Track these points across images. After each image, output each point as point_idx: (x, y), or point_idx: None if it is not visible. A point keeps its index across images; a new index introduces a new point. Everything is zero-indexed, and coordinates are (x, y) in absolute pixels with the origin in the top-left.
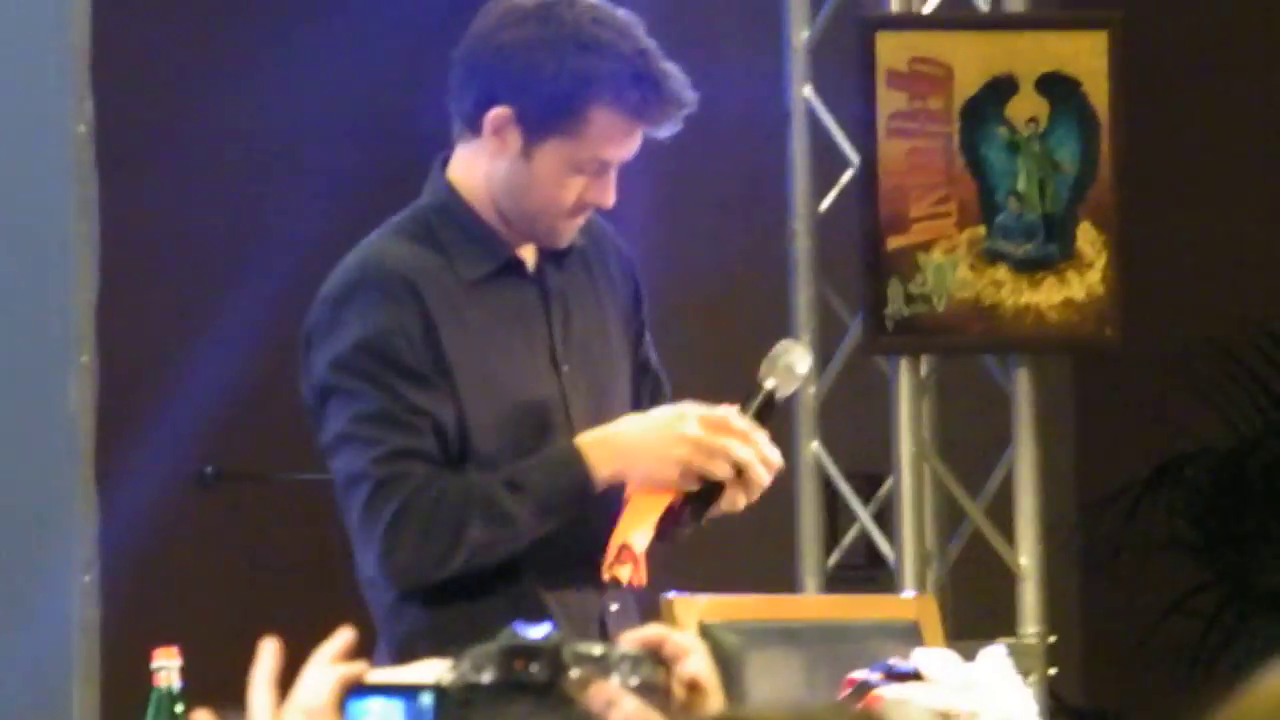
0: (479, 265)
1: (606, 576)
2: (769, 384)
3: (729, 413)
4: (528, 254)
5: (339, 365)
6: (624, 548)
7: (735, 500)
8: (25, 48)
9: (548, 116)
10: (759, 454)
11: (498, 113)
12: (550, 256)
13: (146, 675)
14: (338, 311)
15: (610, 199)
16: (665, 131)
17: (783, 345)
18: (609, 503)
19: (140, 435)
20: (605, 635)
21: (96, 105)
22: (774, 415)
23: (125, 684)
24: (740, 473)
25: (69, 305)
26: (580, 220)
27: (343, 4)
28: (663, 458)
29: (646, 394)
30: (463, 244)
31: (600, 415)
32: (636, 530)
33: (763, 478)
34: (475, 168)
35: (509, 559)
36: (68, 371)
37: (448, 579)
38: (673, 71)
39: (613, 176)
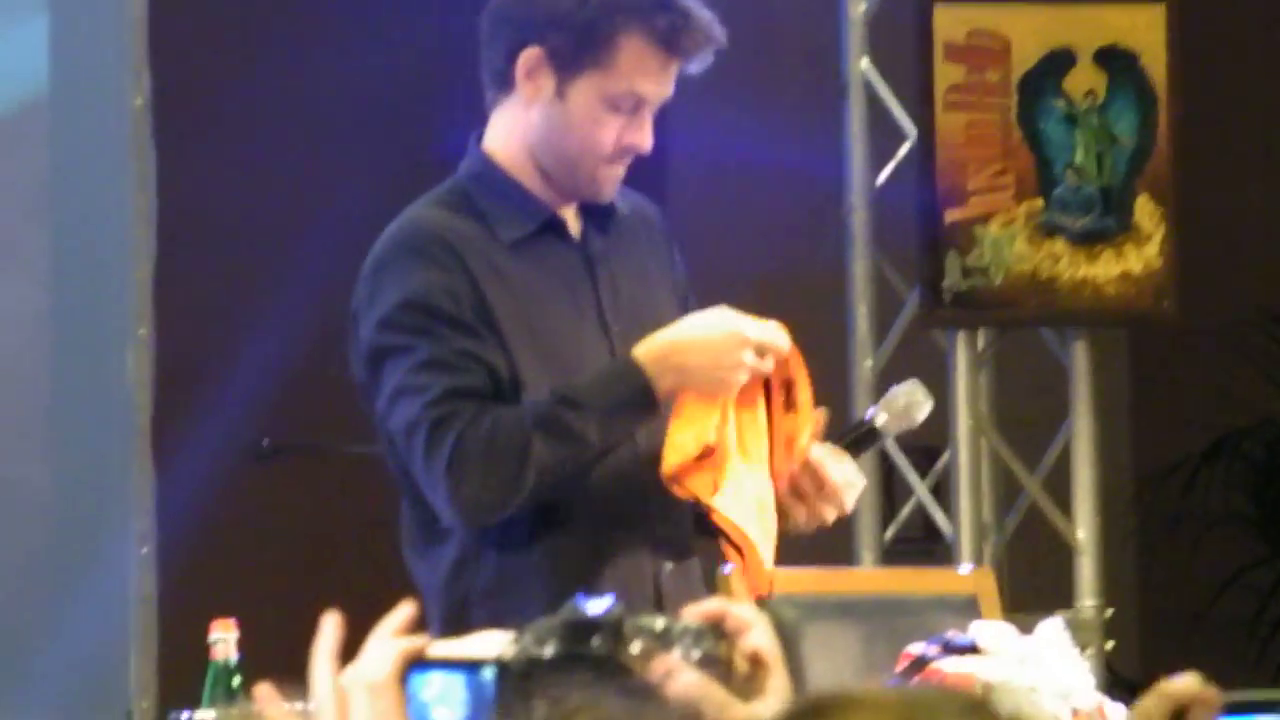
0: (518, 226)
1: (682, 493)
2: (880, 420)
3: (774, 326)
4: (570, 218)
5: (386, 325)
6: (703, 452)
7: (797, 517)
8: (83, 22)
9: (578, 49)
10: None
11: (529, 54)
12: (593, 221)
13: (204, 648)
14: (379, 279)
15: (648, 142)
16: (696, 65)
17: (908, 386)
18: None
19: (198, 409)
20: (661, 597)
21: (154, 80)
22: (869, 448)
23: (183, 656)
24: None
25: (127, 279)
26: (621, 169)
27: None
28: (725, 366)
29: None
30: (501, 208)
31: None
32: (692, 436)
33: (836, 502)
34: (512, 129)
35: (564, 522)
36: (126, 345)
37: (510, 529)
38: (698, 5)
39: (649, 118)
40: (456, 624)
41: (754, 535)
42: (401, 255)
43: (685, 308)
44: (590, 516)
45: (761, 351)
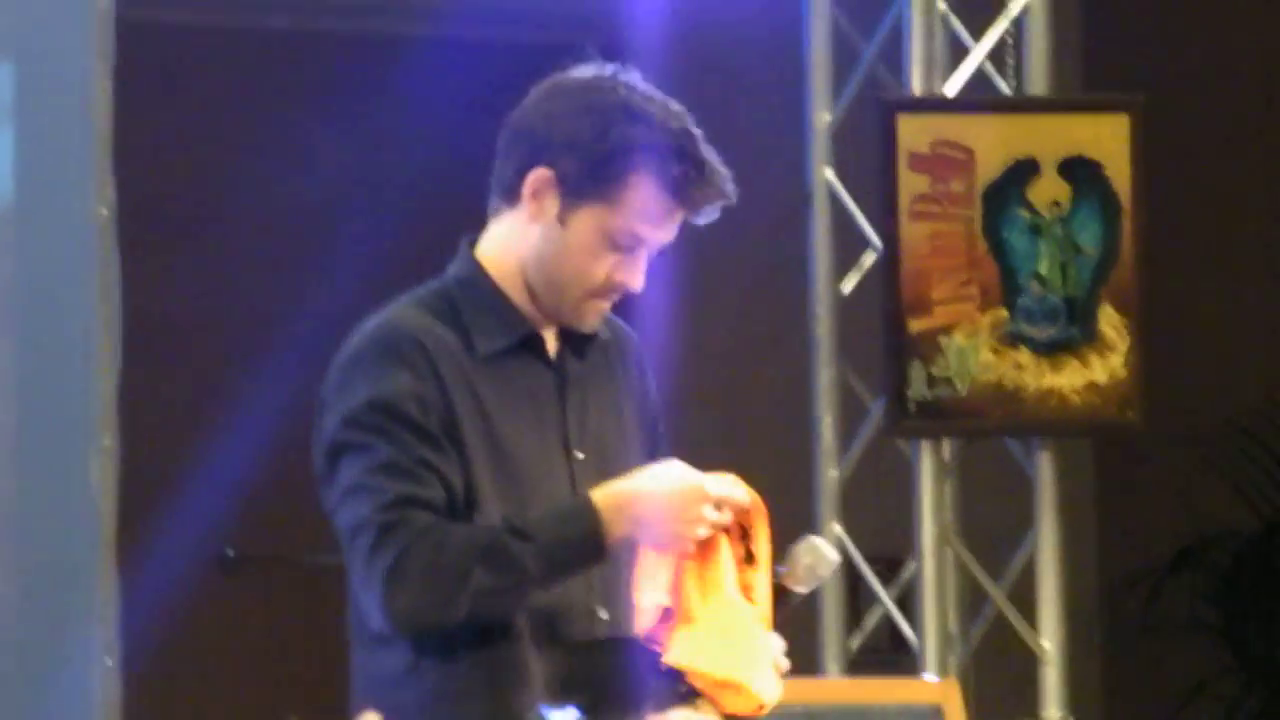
0: (496, 339)
1: (651, 645)
2: (799, 590)
3: (731, 480)
4: (549, 338)
5: (351, 422)
6: (664, 610)
7: None
8: (48, 132)
9: (588, 180)
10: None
11: (538, 174)
12: (572, 345)
13: None
14: (351, 373)
15: (640, 282)
16: (702, 218)
17: (806, 544)
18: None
19: (162, 518)
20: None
21: (119, 189)
22: (787, 607)
23: None
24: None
25: (91, 389)
26: (607, 304)
27: (375, 83)
28: (682, 521)
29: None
30: (482, 317)
31: None
32: (654, 591)
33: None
34: (508, 242)
35: (506, 622)
36: (89, 455)
37: (453, 640)
38: (716, 160)
39: (643, 259)
40: None
41: (725, 670)
42: (376, 354)
43: (654, 436)
44: (530, 626)
45: (720, 505)
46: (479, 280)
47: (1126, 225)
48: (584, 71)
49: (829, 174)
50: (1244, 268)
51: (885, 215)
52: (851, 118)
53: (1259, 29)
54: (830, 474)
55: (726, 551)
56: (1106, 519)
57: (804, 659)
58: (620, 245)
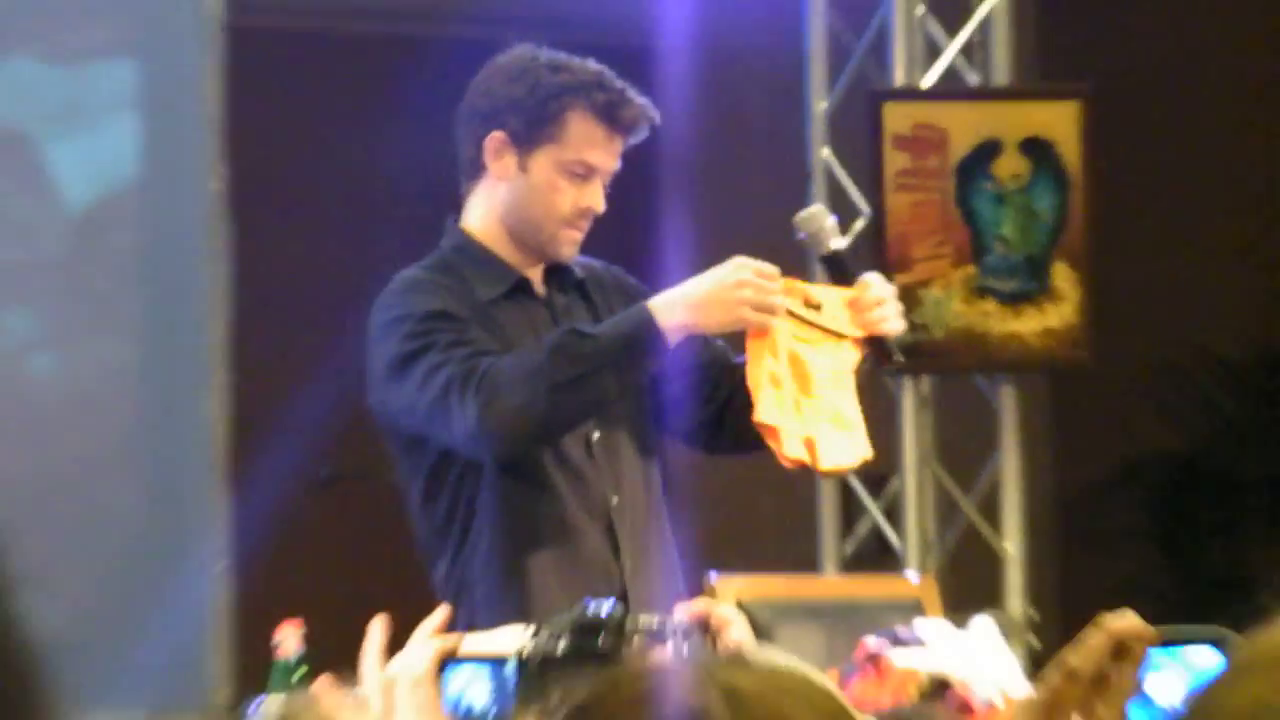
0: (493, 287)
1: (789, 461)
2: (828, 250)
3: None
4: (536, 280)
5: (409, 335)
6: (763, 427)
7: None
8: (168, 120)
9: (533, 128)
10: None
11: (493, 137)
12: (554, 281)
13: (270, 648)
14: (391, 309)
15: (600, 204)
16: (636, 137)
17: (802, 218)
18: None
19: (265, 444)
20: (625, 595)
21: (228, 168)
22: (850, 269)
23: (254, 657)
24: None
25: (205, 333)
26: (579, 231)
27: (447, 85)
28: (727, 300)
29: (713, 368)
30: (478, 273)
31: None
32: (771, 400)
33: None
34: (485, 207)
35: (533, 539)
36: (205, 389)
37: (507, 548)
38: (632, 88)
39: (599, 184)
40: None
41: (777, 421)
42: (409, 289)
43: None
44: (557, 532)
45: (764, 289)
46: (469, 245)
47: (1076, 195)
48: (504, 55)
49: (826, 153)
50: (1179, 232)
51: (873, 188)
52: (845, 105)
53: (1193, 25)
54: None
55: (785, 328)
56: (1061, 443)
57: (805, 561)
58: (575, 174)
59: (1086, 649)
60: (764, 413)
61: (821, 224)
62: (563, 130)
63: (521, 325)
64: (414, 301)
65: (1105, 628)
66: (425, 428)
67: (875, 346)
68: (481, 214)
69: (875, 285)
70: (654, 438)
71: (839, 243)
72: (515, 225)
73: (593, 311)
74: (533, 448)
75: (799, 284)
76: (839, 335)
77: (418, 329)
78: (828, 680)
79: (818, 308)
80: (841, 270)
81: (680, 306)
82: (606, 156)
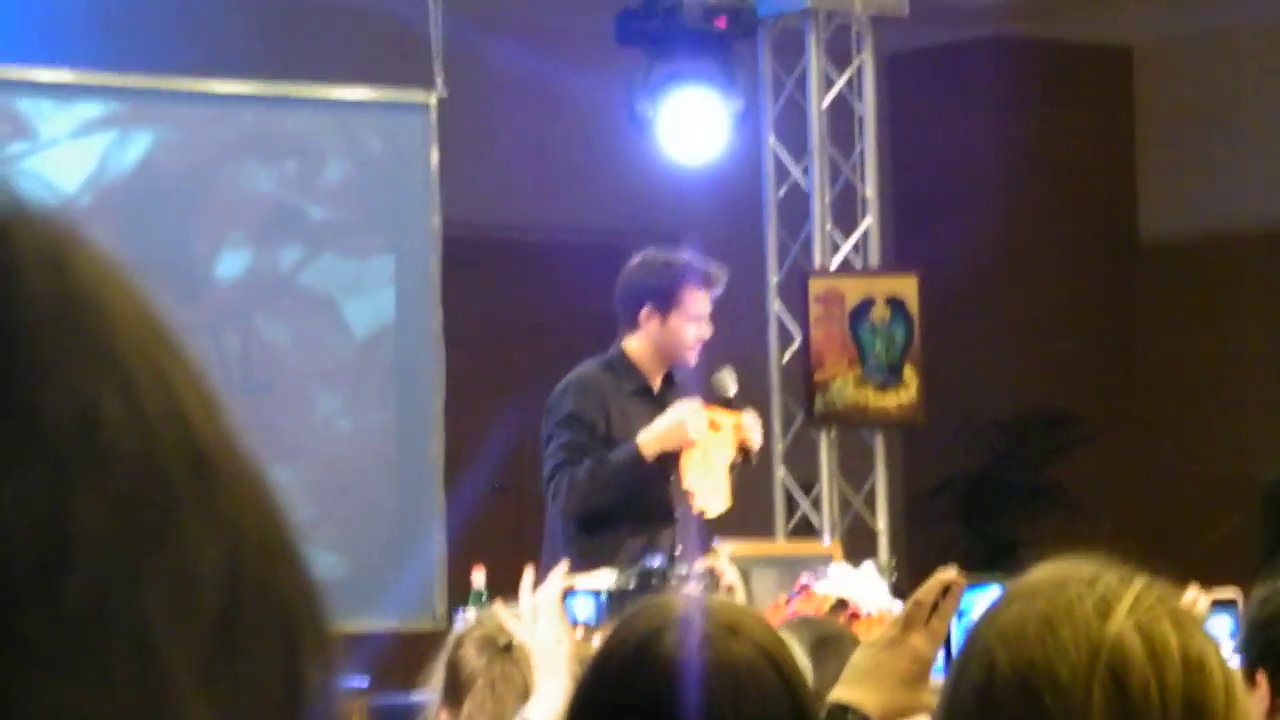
0: (631, 383)
1: (695, 511)
2: (725, 395)
3: (697, 407)
4: (656, 381)
5: (559, 422)
6: (688, 492)
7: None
8: (412, 291)
9: (666, 302)
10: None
11: (645, 310)
12: (666, 381)
13: (468, 583)
14: (561, 398)
15: (709, 333)
16: (716, 293)
17: (718, 377)
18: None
19: (465, 468)
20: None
21: (445, 315)
22: (737, 406)
23: (460, 586)
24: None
25: (431, 407)
26: (698, 348)
27: (561, 275)
28: (677, 433)
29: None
30: (625, 374)
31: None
32: (694, 475)
33: (749, 434)
34: (637, 341)
35: (610, 524)
36: (430, 436)
37: (596, 523)
38: (716, 264)
39: (707, 321)
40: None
41: (699, 488)
42: (572, 390)
43: None
44: (631, 521)
45: (693, 426)
46: (624, 358)
47: (917, 328)
48: (637, 256)
49: (777, 306)
50: (974, 349)
51: (803, 324)
52: (789, 278)
53: (981, 232)
54: (778, 447)
55: (715, 440)
56: (907, 467)
57: (766, 533)
58: (695, 319)
59: (926, 588)
60: (687, 482)
61: (726, 382)
62: (682, 300)
63: (639, 407)
64: (569, 402)
65: (938, 575)
66: (546, 477)
67: (743, 450)
68: (637, 345)
69: (749, 419)
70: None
71: (734, 390)
72: (662, 352)
73: (684, 396)
74: (580, 514)
75: (714, 414)
76: (728, 443)
77: (561, 422)
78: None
79: (719, 428)
80: (732, 407)
81: (654, 438)
82: (708, 306)
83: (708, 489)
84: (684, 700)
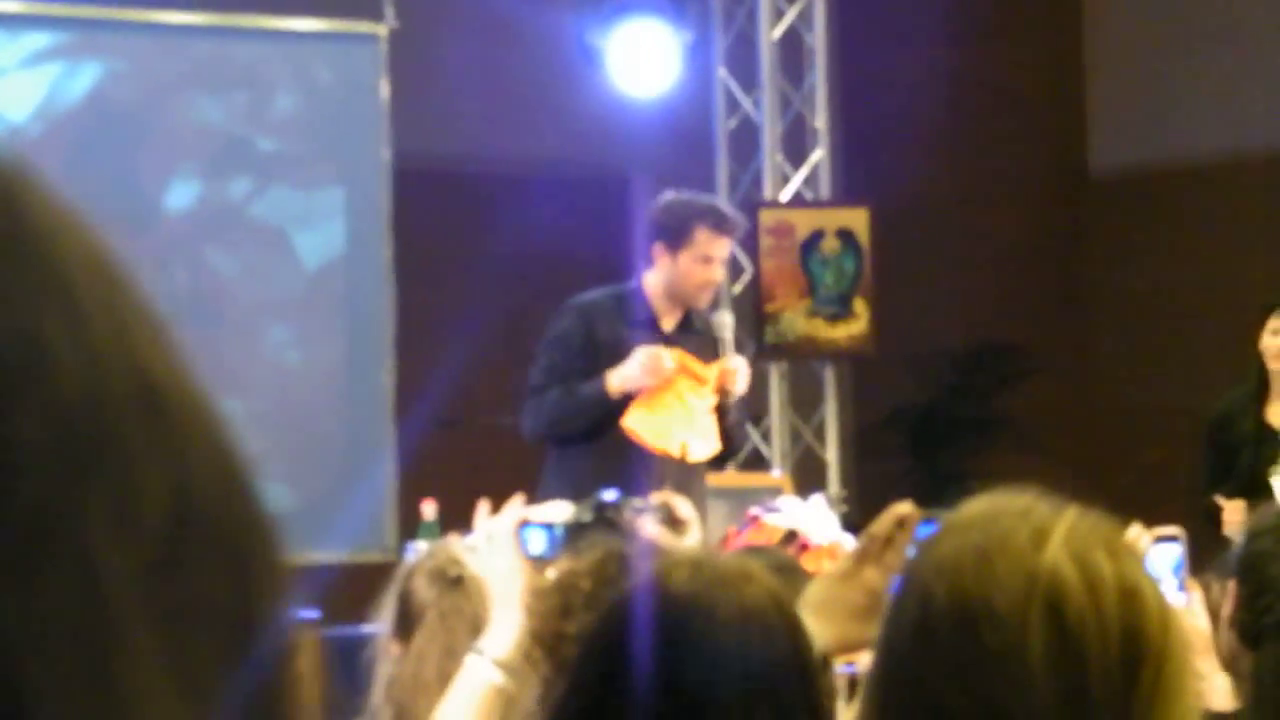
0: (636, 316)
1: (678, 454)
2: (725, 334)
3: (657, 352)
4: (668, 322)
5: (546, 343)
6: (629, 430)
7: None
8: (362, 222)
9: (676, 241)
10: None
11: (656, 245)
12: (680, 324)
13: (419, 514)
14: (556, 320)
15: (719, 277)
16: (736, 237)
17: (716, 317)
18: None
19: (416, 400)
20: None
21: (395, 245)
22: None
23: (410, 518)
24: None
25: (382, 340)
26: (708, 291)
27: (519, 206)
28: (633, 374)
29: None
30: (634, 305)
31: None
32: (653, 419)
33: (699, 370)
34: (653, 277)
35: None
36: (381, 367)
37: (564, 455)
38: (731, 208)
39: (718, 264)
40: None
41: (649, 434)
42: (566, 312)
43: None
44: (613, 447)
45: (650, 370)
46: (639, 290)
47: (867, 260)
48: (659, 197)
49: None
50: (924, 280)
51: (753, 256)
52: (739, 210)
53: (928, 162)
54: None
55: (683, 383)
56: (857, 398)
57: (715, 466)
58: (703, 261)
59: (881, 522)
60: (630, 422)
61: (722, 323)
62: (694, 239)
63: (640, 338)
64: (561, 322)
65: (892, 509)
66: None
67: (722, 395)
68: (653, 280)
69: (736, 362)
70: None
71: (729, 333)
72: (671, 290)
73: (699, 345)
74: (545, 439)
75: (690, 363)
76: (709, 389)
77: (548, 342)
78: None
79: (703, 381)
80: (725, 350)
81: (620, 378)
82: (721, 250)
83: (691, 434)
84: (693, 639)
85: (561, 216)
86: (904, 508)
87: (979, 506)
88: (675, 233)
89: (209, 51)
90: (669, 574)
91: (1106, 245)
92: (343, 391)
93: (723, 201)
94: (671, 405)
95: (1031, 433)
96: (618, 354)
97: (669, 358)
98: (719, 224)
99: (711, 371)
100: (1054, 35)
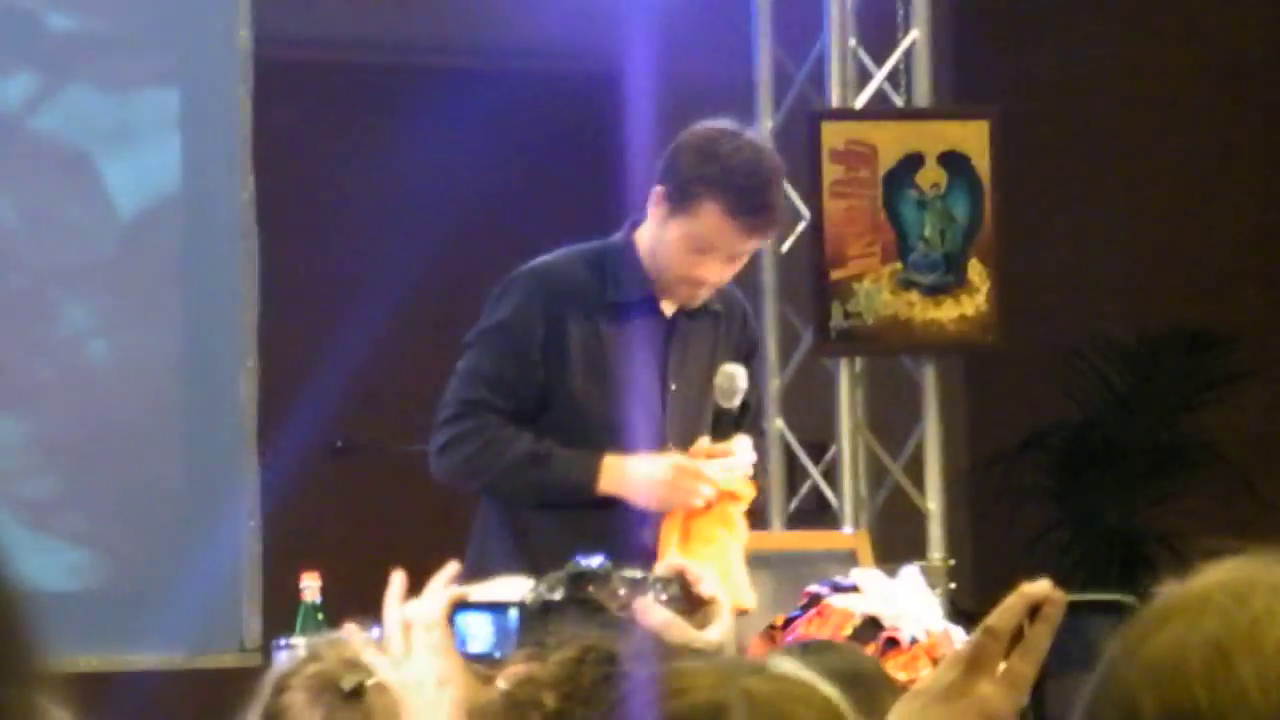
0: (623, 292)
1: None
2: (725, 405)
3: (698, 463)
4: (669, 305)
5: (483, 331)
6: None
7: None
8: (205, 139)
9: (676, 199)
10: (721, 480)
11: (656, 189)
12: (687, 309)
13: (296, 593)
14: (501, 296)
15: (716, 278)
16: (755, 242)
17: (720, 374)
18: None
19: (289, 419)
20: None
21: (256, 179)
22: (746, 419)
23: (281, 599)
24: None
25: (239, 324)
26: (699, 291)
27: (444, 107)
28: (648, 493)
29: (745, 420)
30: (622, 273)
31: (686, 425)
32: (668, 546)
33: (738, 487)
34: (648, 231)
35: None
36: (238, 371)
37: (520, 515)
38: (776, 199)
39: (722, 262)
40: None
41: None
42: (518, 287)
43: (746, 364)
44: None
45: (679, 491)
46: (630, 250)
47: (987, 201)
48: (703, 124)
49: None
50: (1075, 231)
51: (813, 196)
52: (788, 125)
53: (1083, 56)
54: (774, 383)
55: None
56: (974, 414)
57: (755, 518)
58: (703, 251)
59: (1005, 610)
60: (668, 559)
61: (728, 386)
62: (695, 214)
63: (633, 331)
64: (507, 303)
65: (1022, 592)
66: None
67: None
68: (646, 235)
69: (739, 457)
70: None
71: (739, 399)
72: (649, 261)
73: (713, 341)
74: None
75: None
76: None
77: (486, 331)
78: (831, 690)
79: (741, 498)
80: (728, 425)
81: (618, 479)
82: (730, 245)
83: (734, 586)
84: None
85: (509, 133)
86: (1039, 588)
87: (1213, 578)
88: (681, 186)
89: None
90: (681, 688)
91: None
92: (176, 402)
93: (763, 171)
94: (708, 539)
95: (1243, 464)
96: (589, 351)
97: (712, 474)
98: (736, 207)
99: (738, 463)
100: None
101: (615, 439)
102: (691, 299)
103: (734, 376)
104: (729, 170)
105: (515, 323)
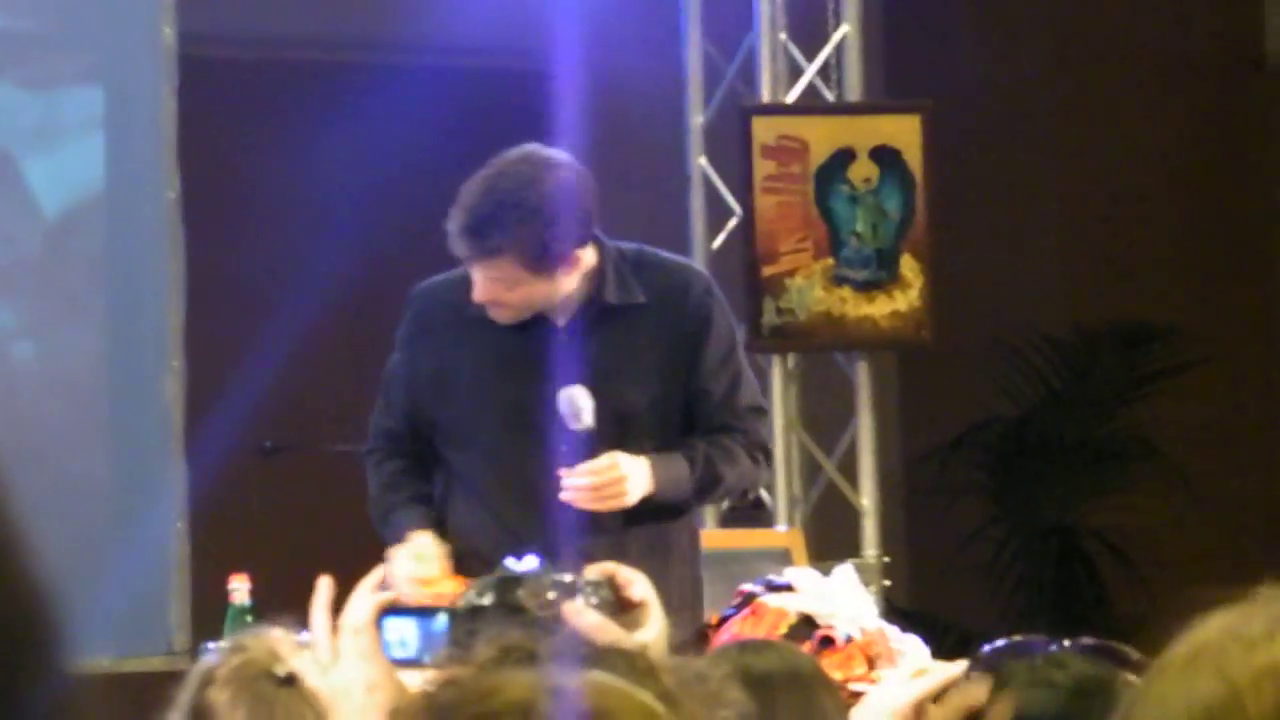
0: (473, 309)
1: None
2: (575, 427)
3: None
4: (564, 312)
5: (398, 345)
6: None
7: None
8: (129, 138)
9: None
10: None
11: None
12: (588, 314)
13: (225, 595)
14: (405, 311)
15: (478, 296)
16: (478, 265)
17: (560, 399)
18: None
19: (216, 419)
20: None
21: (182, 178)
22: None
23: (209, 602)
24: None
25: (164, 323)
26: (496, 311)
27: (370, 105)
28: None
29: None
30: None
31: (618, 425)
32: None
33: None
34: None
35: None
36: (164, 371)
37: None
38: (483, 226)
39: (480, 280)
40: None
41: None
42: (410, 307)
43: (692, 374)
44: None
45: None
46: None
47: (919, 196)
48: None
49: (703, 161)
50: (1006, 227)
51: (744, 191)
52: (718, 120)
53: (1014, 52)
54: None
55: None
56: (907, 411)
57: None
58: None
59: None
60: None
61: (579, 405)
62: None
63: (484, 338)
64: (403, 324)
65: (947, 676)
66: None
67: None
68: None
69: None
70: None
71: (588, 419)
72: None
73: (631, 338)
74: None
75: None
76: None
77: (397, 346)
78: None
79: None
80: (592, 444)
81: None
82: (474, 268)
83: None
84: None
85: (437, 131)
86: (974, 689)
87: (1208, 632)
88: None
89: None
90: (607, 691)
91: None
92: (101, 403)
93: (491, 196)
94: None
95: (1181, 458)
96: (460, 359)
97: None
98: (456, 231)
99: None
100: None
101: (494, 457)
102: (497, 318)
103: (572, 399)
104: (464, 189)
105: (400, 346)
